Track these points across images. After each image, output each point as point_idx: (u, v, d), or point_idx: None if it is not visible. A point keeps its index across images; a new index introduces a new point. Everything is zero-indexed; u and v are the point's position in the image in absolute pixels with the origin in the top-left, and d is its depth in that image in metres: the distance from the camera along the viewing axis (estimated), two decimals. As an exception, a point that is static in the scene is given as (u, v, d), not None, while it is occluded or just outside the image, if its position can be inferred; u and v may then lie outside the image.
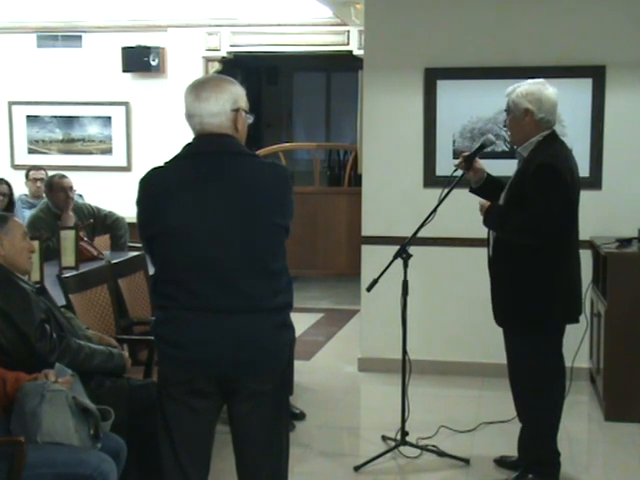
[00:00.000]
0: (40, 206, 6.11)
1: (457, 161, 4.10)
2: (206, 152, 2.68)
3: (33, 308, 3.25)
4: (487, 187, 4.07)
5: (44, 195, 6.33)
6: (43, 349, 3.23)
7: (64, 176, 6.03)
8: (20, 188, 7.26)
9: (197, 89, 2.69)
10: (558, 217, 3.73)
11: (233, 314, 2.63)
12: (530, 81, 3.91)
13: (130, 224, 6.07)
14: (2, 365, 3.12)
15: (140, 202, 2.71)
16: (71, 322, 3.58)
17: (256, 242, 2.65)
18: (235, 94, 2.71)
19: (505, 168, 4.18)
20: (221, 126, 2.68)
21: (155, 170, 2.72)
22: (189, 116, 2.71)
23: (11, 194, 6.24)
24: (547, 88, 3.86)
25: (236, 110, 2.70)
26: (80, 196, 6.94)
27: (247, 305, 2.64)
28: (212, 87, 2.68)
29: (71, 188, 5.97)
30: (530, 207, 3.72)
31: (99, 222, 6.09)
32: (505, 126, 4.07)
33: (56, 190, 5.91)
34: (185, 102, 2.71)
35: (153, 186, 2.69)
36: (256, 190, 2.65)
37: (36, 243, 4.05)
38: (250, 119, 2.79)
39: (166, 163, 2.73)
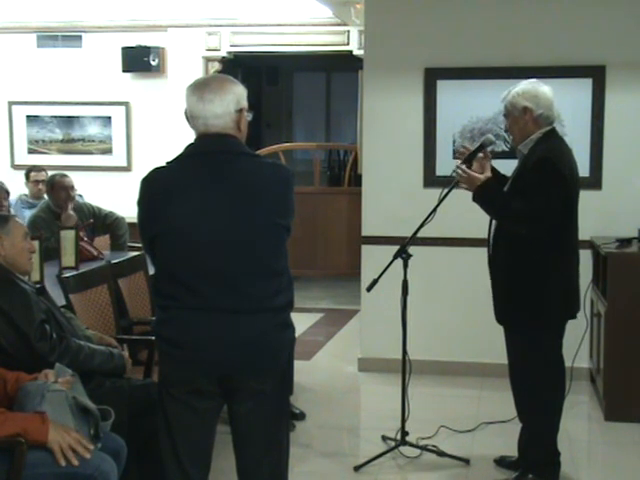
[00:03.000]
0: (41, 206, 6.11)
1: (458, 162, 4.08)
2: (208, 152, 2.68)
3: (33, 308, 3.25)
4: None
5: (45, 196, 6.34)
6: (43, 349, 3.23)
7: (65, 175, 6.05)
8: (20, 188, 7.26)
9: (201, 90, 2.67)
10: (557, 212, 3.72)
11: (235, 314, 2.63)
12: (523, 82, 3.93)
13: (130, 224, 6.08)
14: (2, 365, 3.12)
15: (142, 202, 2.71)
16: (71, 322, 3.58)
17: (258, 242, 2.65)
18: (238, 94, 2.71)
19: (505, 168, 4.17)
20: (225, 127, 2.68)
21: (157, 170, 2.72)
22: (192, 117, 2.69)
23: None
24: (541, 85, 3.89)
25: (239, 110, 2.70)
26: (80, 196, 6.93)
27: (249, 305, 2.64)
28: (216, 88, 2.67)
29: (72, 187, 5.99)
30: (530, 201, 3.72)
31: (99, 222, 6.09)
32: (507, 131, 4.05)
33: (57, 189, 5.93)
34: (188, 103, 2.70)
35: (155, 186, 2.69)
36: (258, 190, 2.66)
37: (36, 243, 4.04)
38: (249, 116, 2.79)
39: (168, 163, 2.73)
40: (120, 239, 6.13)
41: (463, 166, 3.89)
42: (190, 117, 2.71)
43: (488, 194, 3.83)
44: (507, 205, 3.81)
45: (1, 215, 3.58)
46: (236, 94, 2.70)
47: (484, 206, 3.88)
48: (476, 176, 3.84)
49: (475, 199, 3.86)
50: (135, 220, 2.78)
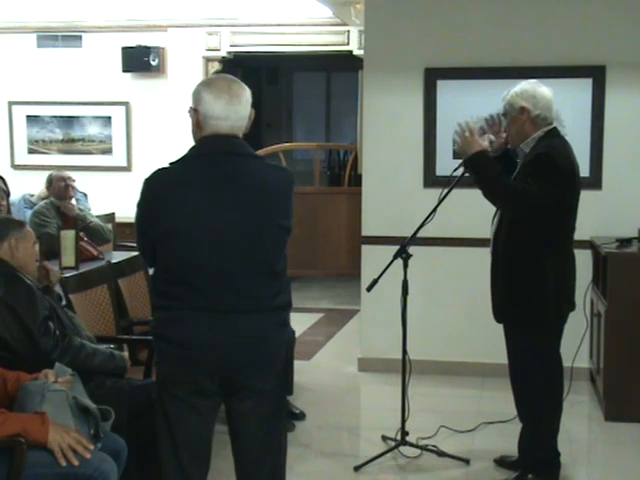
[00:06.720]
0: (43, 202, 6.22)
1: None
2: (213, 153, 2.68)
3: (38, 304, 3.29)
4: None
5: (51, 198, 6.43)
6: (46, 345, 3.25)
7: (63, 169, 6.20)
8: (20, 188, 7.26)
9: (227, 93, 2.68)
10: (547, 200, 3.71)
11: (237, 314, 2.64)
12: (523, 82, 3.93)
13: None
14: (4, 363, 3.14)
15: (145, 202, 2.71)
16: (73, 321, 3.59)
17: (260, 243, 2.66)
18: (249, 96, 2.76)
19: (505, 168, 4.17)
20: (242, 127, 2.74)
21: (161, 170, 2.72)
22: (217, 118, 2.67)
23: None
24: (540, 86, 3.90)
25: (250, 112, 2.78)
26: (84, 195, 6.95)
27: (251, 305, 2.65)
28: (239, 91, 2.71)
29: (70, 178, 6.08)
30: (523, 182, 3.72)
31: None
32: (505, 131, 4.04)
33: (56, 180, 6.08)
34: (214, 105, 2.67)
35: (159, 186, 2.69)
36: (262, 192, 2.67)
37: (36, 246, 4.07)
38: None
39: (172, 164, 2.73)
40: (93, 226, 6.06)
41: (472, 124, 3.88)
42: (214, 118, 2.67)
43: (484, 161, 3.82)
44: (499, 178, 3.79)
45: (17, 220, 3.63)
46: (249, 97, 2.75)
47: (476, 173, 3.85)
48: (478, 142, 3.85)
49: (468, 163, 3.85)
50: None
